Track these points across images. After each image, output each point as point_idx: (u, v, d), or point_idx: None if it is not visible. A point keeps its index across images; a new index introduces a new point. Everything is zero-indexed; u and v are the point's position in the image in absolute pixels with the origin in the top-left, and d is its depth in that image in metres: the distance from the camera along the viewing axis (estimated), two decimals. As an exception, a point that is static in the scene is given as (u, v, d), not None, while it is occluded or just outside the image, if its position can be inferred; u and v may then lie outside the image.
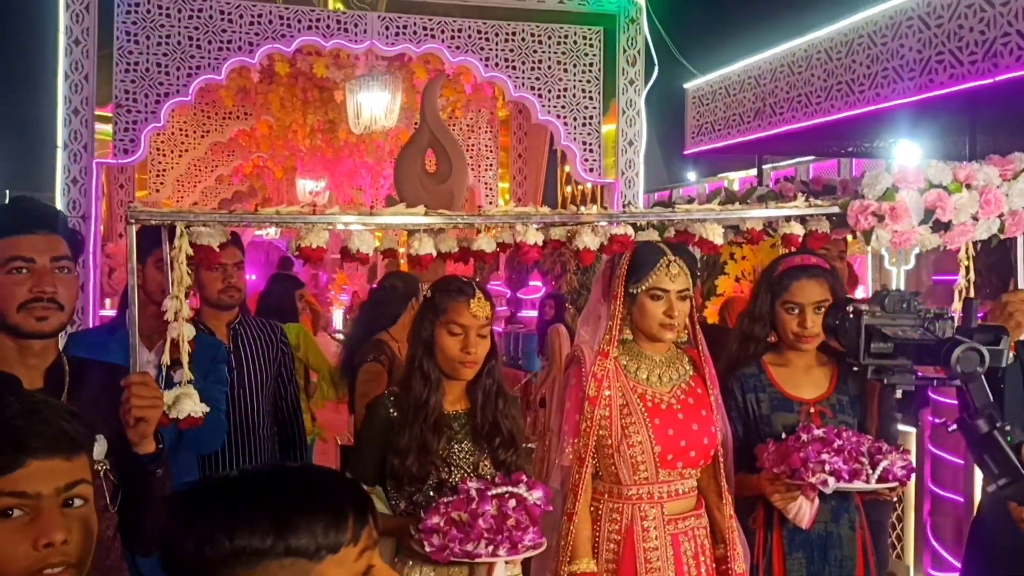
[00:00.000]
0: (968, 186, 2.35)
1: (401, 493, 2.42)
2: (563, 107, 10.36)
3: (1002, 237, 2.43)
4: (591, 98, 10.42)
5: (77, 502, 1.37)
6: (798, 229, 2.62)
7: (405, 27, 9.73)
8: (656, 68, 10.49)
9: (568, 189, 12.55)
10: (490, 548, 2.20)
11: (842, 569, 2.73)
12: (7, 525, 1.28)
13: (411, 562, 2.38)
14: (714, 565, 2.54)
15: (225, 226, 2.58)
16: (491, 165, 13.41)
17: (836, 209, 2.53)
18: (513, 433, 2.47)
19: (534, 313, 10.74)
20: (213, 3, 9.12)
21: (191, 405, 2.32)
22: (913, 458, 5.22)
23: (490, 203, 13.43)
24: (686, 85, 9.45)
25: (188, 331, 2.48)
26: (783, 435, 2.68)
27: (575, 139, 10.41)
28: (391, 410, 2.46)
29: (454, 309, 2.42)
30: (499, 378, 2.50)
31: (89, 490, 1.39)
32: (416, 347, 2.47)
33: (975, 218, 2.36)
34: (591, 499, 2.51)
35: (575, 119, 10.40)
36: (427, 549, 2.20)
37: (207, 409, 2.38)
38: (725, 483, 2.58)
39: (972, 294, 2.50)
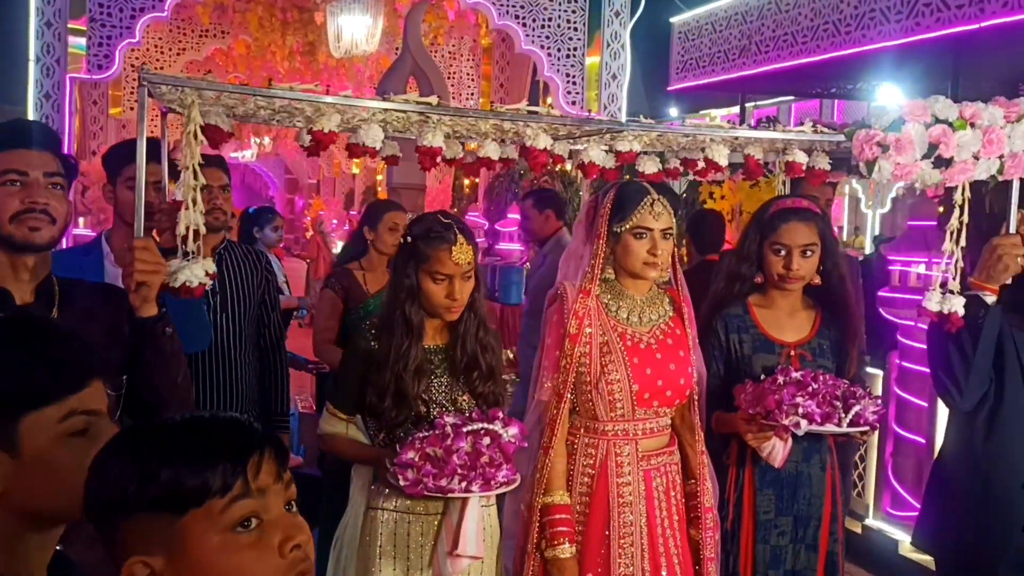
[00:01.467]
0: (972, 124, 2.36)
1: (379, 425, 2.44)
2: (547, 37, 10.21)
3: (1000, 179, 2.45)
4: (576, 29, 10.28)
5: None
6: (802, 157, 2.62)
7: (388, -52, 9.52)
8: (643, 1, 10.34)
9: (549, 121, 12.47)
10: (463, 484, 2.22)
11: (810, 507, 2.80)
12: (81, 443, 1.23)
13: (387, 491, 2.41)
14: (684, 500, 2.59)
15: (234, 109, 2.45)
16: (472, 94, 13.24)
17: (842, 137, 2.53)
18: (492, 366, 2.48)
19: (512, 245, 10.72)
20: (191, -85, 8.85)
21: (189, 273, 2.24)
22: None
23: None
24: (672, 19, 9.33)
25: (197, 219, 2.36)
26: (762, 376, 2.72)
27: (558, 71, 10.29)
28: (372, 342, 2.46)
29: (436, 258, 2.40)
30: (480, 312, 2.50)
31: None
32: (399, 292, 2.45)
33: (976, 157, 2.37)
34: (567, 434, 2.54)
35: (559, 50, 10.26)
36: (401, 483, 2.23)
37: (207, 282, 2.29)
38: (698, 421, 2.62)
39: (964, 238, 2.52)
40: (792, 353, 2.78)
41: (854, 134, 2.33)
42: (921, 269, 5.42)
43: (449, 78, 12.94)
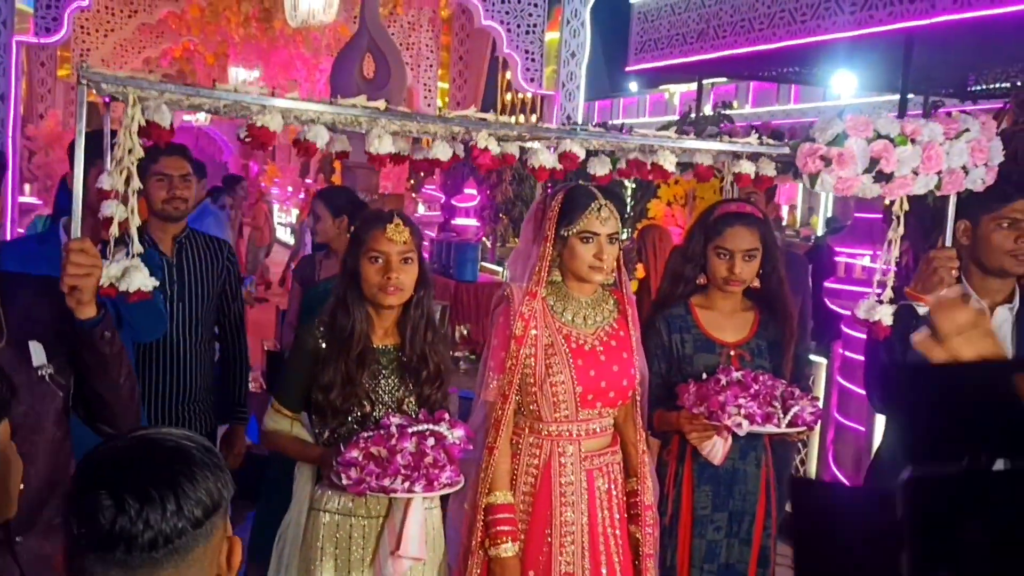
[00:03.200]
0: (913, 140, 2.41)
1: (324, 424, 2.45)
2: (507, 13, 10.15)
3: (937, 194, 2.51)
4: (536, 5, 10.22)
5: None
6: (748, 168, 2.66)
7: (347, -83, 9.36)
8: (603, -22, 10.30)
9: (508, 97, 12.40)
10: (406, 484, 2.24)
11: (745, 503, 2.87)
12: None
13: (329, 491, 2.43)
14: (625, 498, 2.65)
15: (180, 101, 2.43)
16: (431, 66, 13.13)
17: (787, 149, 2.57)
18: (440, 368, 2.50)
19: (469, 221, 10.71)
20: None
21: (141, 278, 2.23)
22: (822, 387, 5.48)
23: (428, 105, 13.19)
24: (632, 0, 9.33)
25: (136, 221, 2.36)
26: (703, 375, 2.78)
27: (518, 47, 10.24)
28: (320, 340, 2.46)
29: (372, 237, 2.42)
30: (429, 311, 2.51)
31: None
32: (342, 279, 2.47)
33: (916, 172, 2.42)
34: (512, 433, 2.57)
35: (519, 26, 10.21)
36: (344, 482, 2.24)
37: (156, 283, 2.29)
38: (641, 420, 2.67)
39: (897, 250, 2.59)
40: (732, 353, 2.84)
41: (798, 147, 2.37)
42: (866, 261, 5.54)
43: (407, 49, 12.81)
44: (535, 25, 10.26)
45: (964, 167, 2.40)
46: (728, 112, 7.92)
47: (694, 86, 13.45)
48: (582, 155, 2.45)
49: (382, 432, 2.30)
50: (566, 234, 2.53)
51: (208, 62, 14.29)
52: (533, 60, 10.33)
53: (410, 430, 2.31)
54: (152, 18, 11.75)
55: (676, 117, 13.41)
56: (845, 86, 10.10)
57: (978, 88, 9.18)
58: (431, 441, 2.31)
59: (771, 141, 2.52)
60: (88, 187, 2.72)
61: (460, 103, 13.07)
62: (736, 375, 2.71)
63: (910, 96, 7.70)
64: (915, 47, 6.52)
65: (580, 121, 10.62)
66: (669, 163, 2.47)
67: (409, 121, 2.29)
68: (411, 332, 2.48)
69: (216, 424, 3.39)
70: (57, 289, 1.91)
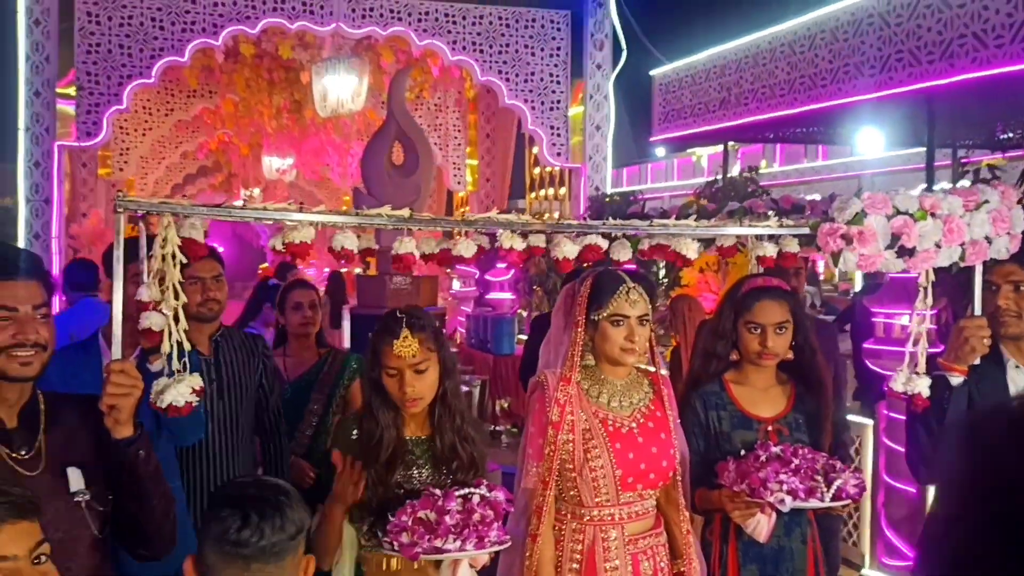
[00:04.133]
0: (933, 214, 2.44)
1: (363, 518, 2.48)
2: (531, 91, 10.40)
3: (962, 265, 2.53)
4: (559, 82, 10.47)
5: (43, 559, 1.55)
6: (771, 250, 2.71)
7: (371, 9, 9.68)
8: (624, 53, 10.54)
9: (536, 171, 12.58)
10: (458, 543, 2.27)
11: (793, 580, 2.84)
12: None
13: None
14: (673, 581, 2.64)
15: (211, 218, 2.54)
16: (459, 144, 13.40)
17: (807, 230, 2.61)
18: (473, 457, 2.53)
19: (503, 295, 10.80)
20: (176, -17, 9.01)
21: (185, 393, 2.31)
22: (869, 449, 5.42)
23: (458, 183, 13.43)
24: (652, 72, 9.51)
25: (158, 324, 2.45)
26: (742, 451, 2.78)
27: (542, 123, 10.46)
28: (352, 436, 2.51)
29: (384, 352, 2.47)
30: (454, 403, 2.54)
31: (47, 547, 1.57)
32: (367, 385, 2.53)
33: (938, 245, 2.45)
34: (554, 520, 2.59)
35: (542, 103, 10.44)
36: (396, 547, 2.27)
37: (193, 400, 2.36)
38: (683, 500, 2.67)
39: (927, 320, 2.61)
40: (769, 428, 2.84)
41: (818, 226, 2.42)
42: (904, 320, 5.50)
43: (435, 130, 13.11)
44: (558, 101, 10.49)
45: (987, 237, 2.43)
46: (755, 174, 7.98)
47: (720, 147, 13.62)
48: (605, 246, 2.51)
49: (428, 497, 2.34)
50: (596, 318, 2.58)
51: (243, 153, 14.71)
52: (559, 135, 10.54)
53: (457, 493, 2.35)
54: (188, 115, 12.16)
55: (705, 178, 13.51)
56: (871, 144, 10.16)
57: (1006, 137, 9.18)
58: (476, 499, 2.34)
59: (789, 222, 2.56)
60: (127, 295, 2.83)
61: (489, 179, 13.30)
62: (776, 450, 2.71)
63: (939, 149, 7.73)
64: (937, 104, 6.58)
65: (608, 191, 10.77)
66: (690, 250, 2.52)
67: (433, 227, 2.37)
68: (439, 426, 2.52)
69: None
70: (98, 410, 1.97)
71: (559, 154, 10.48)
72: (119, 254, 2.17)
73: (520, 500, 2.62)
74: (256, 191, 17.77)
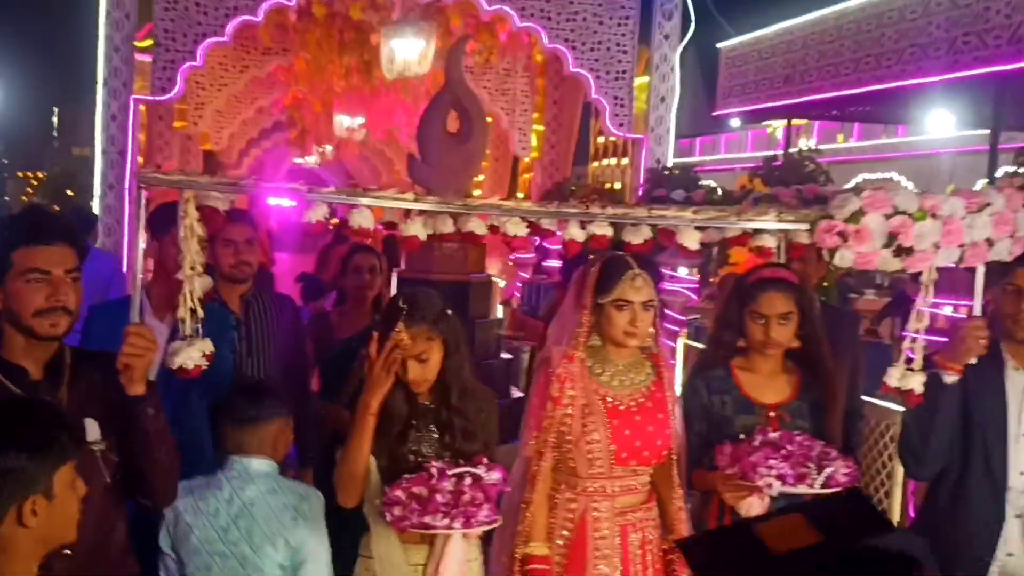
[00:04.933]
0: (933, 215, 2.46)
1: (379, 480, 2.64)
2: (596, 60, 10.34)
3: (961, 266, 2.55)
4: (625, 52, 10.39)
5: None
6: (771, 242, 2.75)
7: (442, -27, 9.75)
8: (692, 24, 10.41)
9: (600, 140, 12.56)
10: (445, 521, 2.42)
11: (786, 562, 2.92)
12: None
13: (373, 538, 2.61)
14: (660, 554, 2.75)
15: (230, 195, 2.70)
16: (526, 110, 13.41)
17: (805, 225, 2.64)
18: (473, 430, 2.63)
19: (559, 263, 10.84)
20: (252, -56, 9.20)
21: (195, 355, 2.49)
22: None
23: (523, 148, 13.48)
24: (719, 45, 9.40)
25: (202, 285, 2.63)
26: (742, 435, 2.86)
27: (607, 92, 10.41)
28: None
29: (391, 336, 2.55)
30: (455, 380, 2.62)
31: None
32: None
33: (936, 246, 2.48)
34: (549, 489, 2.71)
35: (608, 72, 10.39)
36: (388, 519, 2.43)
37: (202, 363, 2.54)
38: (678, 478, 2.77)
39: (926, 317, 2.64)
40: (772, 414, 2.91)
41: (817, 222, 2.46)
42: (948, 311, 5.45)
43: (503, 95, 13.15)
44: (624, 71, 10.41)
45: (989, 239, 2.44)
46: (815, 153, 7.88)
47: (796, 121, 13.37)
48: (609, 233, 2.59)
49: (424, 474, 2.49)
50: (603, 302, 2.68)
51: (316, 110, 14.95)
52: (622, 105, 10.47)
53: (449, 472, 2.49)
54: (262, 72, 12.41)
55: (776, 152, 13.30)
56: (941, 125, 9.91)
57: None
58: (468, 480, 2.48)
59: (789, 216, 2.59)
60: (164, 253, 3.02)
61: (554, 146, 13.30)
62: (772, 436, 2.78)
63: (1011, 132, 7.54)
64: (1005, 88, 6.42)
65: (670, 164, 10.70)
66: (692, 241, 2.58)
67: (436, 209, 2.48)
68: (441, 398, 2.63)
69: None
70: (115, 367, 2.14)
71: (622, 124, 10.44)
72: (140, 225, 2.33)
73: (518, 468, 2.75)
74: (328, 148, 18.09)
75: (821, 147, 21.19)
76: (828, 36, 7.57)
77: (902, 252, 2.42)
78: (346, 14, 10.53)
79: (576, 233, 2.57)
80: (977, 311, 2.60)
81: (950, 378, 2.59)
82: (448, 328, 2.60)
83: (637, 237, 2.77)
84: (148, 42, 9.46)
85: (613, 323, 2.66)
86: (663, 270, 8.37)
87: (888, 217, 2.39)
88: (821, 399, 2.97)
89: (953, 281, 5.63)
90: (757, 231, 2.64)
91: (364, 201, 2.49)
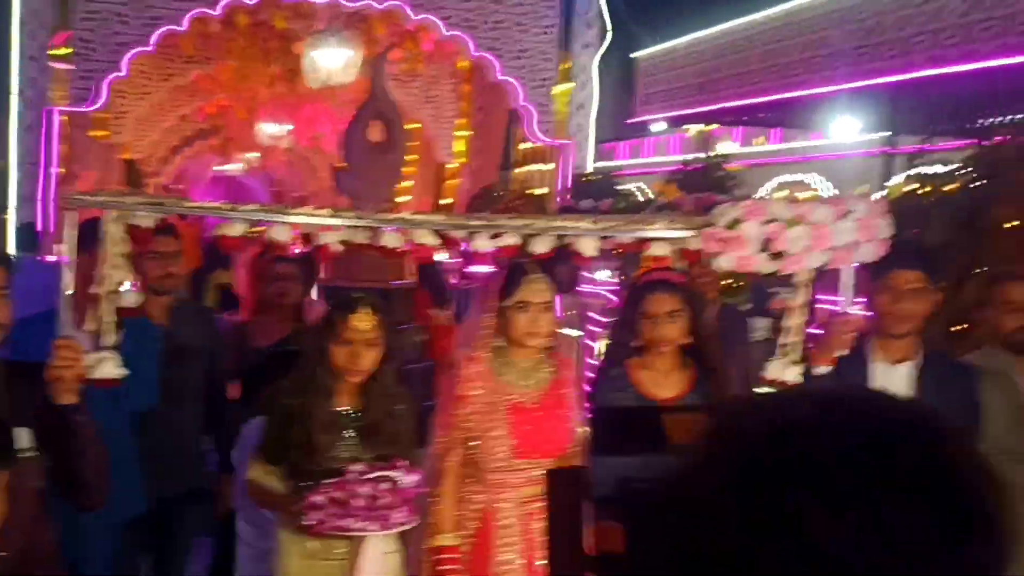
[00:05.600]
0: (804, 221, 2.68)
1: (293, 476, 2.77)
2: (522, 67, 10.58)
3: (828, 268, 2.79)
4: (549, 60, 10.65)
5: None
6: (662, 250, 2.94)
7: (365, -17, 9.84)
8: (609, 33, 10.69)
9: (524, 146, 12.76)
10: (363, 524, 2.56)
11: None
12: None
13: (296, 537, 2.74)
14: (565, 542, 2.93)
15: (157, 213, 2.82)
16: (452, 117, 13.57)
17: (692, 233, 2.84)
18: (397, 433, 2.81)
19: (485, 268, 11.01)
20: (174, -47, 9.19)
21: (109, 368, 2.60)
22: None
23: (449, 155, 13.63)
24: (634, 55, 9.69)
25: (132, 301, 2.74)
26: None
27: (532, 100, 10.65)
28: (287, 400, 2.80)
29: (341, 323, 2.75)
30: (388, 382, 2.83)
31: None
32: (311, 353, 2.80)
33: (807, 250, 2.70)
34: (457, 483, 2.88)
35: (532, 80, 10.62)
36: (307, 523, 2.57)
37: (124, 372, 2.65)
38: (579, 471, 2.95)
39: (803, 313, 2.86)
40: (666, 408, 3.12)
41: (701, 229, 2.66)
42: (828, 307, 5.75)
43: (429, 103, 13.29)
44: (547, 79, 10.66)
45: (855, 243, 2.67)
46: (725, 159, 8.19)
47: (714, 127, 13.79)
48: (512, 243, 2.76)
49: (342, 480, 2.63)
50: (505, 305, 2.85)
51: (240, 117, 14.87)
52: (546, 112, 10.72)
53: (367, 477, 2.63)
54: (185, 80, 12.33)
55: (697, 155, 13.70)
56: (846, 130, 10.36)
57: (981, 124, 9.37)
58: (385, 485, 2.63)
59: (678, 224, 2.78)
60: (93, 268, 3.10)
61: (480, 152, 13.48)
62: (668, 429, 2.99)
63: (911, 136, 7.94)
64: (901, 96, 6.79)
65: (590, 169, 10.97)
66: (589, 249, 2.76)
67: (353, 223, 2.62)
68: (371, 401, 2.80)
69: (208, 474, 3.73)
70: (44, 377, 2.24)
71: (547, 131, 10.68)
72: (70, 247, 2.43)
73: (428, 464, 2.90)
74: (253, 156, 17.97)
75: (743, 150, 21.90)
76: (737, 47, 7.90)
77: (777, 256, 2.63)
78: (270, 23, 10.56)
79: (484, 244, 2.73)
80: (847, 309, 2.83)
81: (822, 370, 2.81)
82: (388, 331, 2.77)
83: (542, 246, 2.94)
84: (64, 50, 9.37)
85: (515, 324, 2.84)
86: (584, 273, 8.63)
87: (763, 224, 2.60)
88: (714, 392, 3.18)
89: (834, 280, 5.96)
90: (651, 239, 2.82)
91: (281, 219, 2.61)
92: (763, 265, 2.65)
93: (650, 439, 1.12)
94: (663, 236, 2.72)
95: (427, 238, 2.64)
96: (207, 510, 3.70)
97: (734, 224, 2.58)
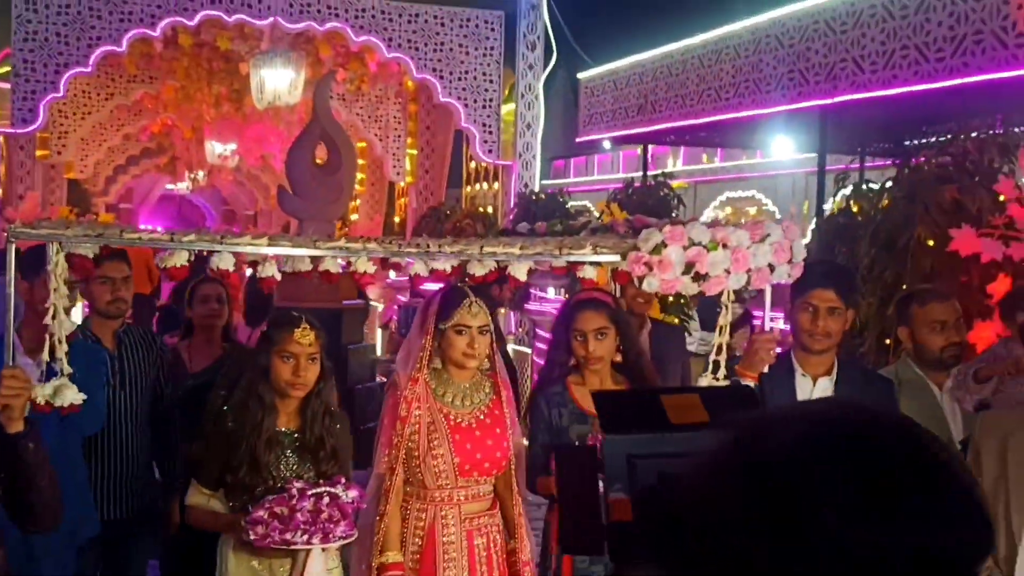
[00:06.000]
0: (724, 245, 2.84)
1: (235, 497, 2.85)
2: (464, 89, 10.74)
3: (749, 288, 2.95)
4: (492, 81, 10.82)
5: None
6: (590, 272, 3.08)
7: (308, 5, 9.94)
8: (555, 55, 10.92)
9: (472, 165, 12.93)
10: (305, 537, 2.66)
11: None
12: None
13: (239, 555, 2.82)
14: (504, 556, 3.04)
15: (97, 243, 2.90)
16: (399, 136, 13.68)
17: (618, 257, 2.98)
18: (336, 449, 2.91)
19: (435, 285, 11.11)
20: (114, -27, 9.18)
21: (71, 395, 2.68)
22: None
23: (397, 173, 13.73)
24: (579, 75, 9.90)
25: (67, 328, 2.82)
26: (576, 443, 3.18)
27: (475, 120, 10.81)
28: (230, 422, 2.87)
29: (283, 338, 2.85)
30: (328, 399, 2.93)
31: None
32: (253, 372, 2.89)
33: (728, 271, 2.86)
34: (402, 501, 2.97)
35: (475, 101, 10.79)
36: (251, 537, 2.65)
37: (84, 397, 2.73)
38: (516, 486, 3.07)
39: (727, 333, 3.02)
40: (602, 424, 3.25)
41: (628, 253, 2.81)
42: (780, 324, 5.97)
43: (376, 122, 13.39)
44: (491, 100, 10.84)
45: (771, 265, 2.84)
46: (667, 178, 8.39)
47: (663, 145, 14.03)
48: (448, 268, 2.88)
49: (284, 495, 2.71)
50: (444, 327, 2.96)
51: (186, 135, 14.82)
52: (490, 132, 10.88)
53: (309, 492, 2.72)
54: (128, 100, 12.29)
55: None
56: (781, 150, 10.68)
57: (910, 144, 9.73)
58: (327, 500, 2.72)
59: (605, 248, 2.92)
60: (34, 295, 3.16)
61: (428, 171, 13.61)
62: (600, 440, 3.11)
63: (844, 155, 8.22)
64: (829, 118, 7.05)
65: (537, 188, 11.15)
66: (520, 273, 2.89)
67: (293, 252, 2.72)
68: (311, 418, 2.90)
69: (157, 496, 3.77)
70: None
71: (491, 151, 10.84)
72: (9, 278, 2.49)
73: (373, 483, 3.00)
74: (201, 174, 17.86)
75: (689, 167, 22.32)
76: (675, 69, 8.13)
77: (699, 278, 2.79)
78: (214, 44, 10.60)
79: (421, 268, 2.85)
80: (767, 326, 3.00)
81: (747, 383, 2.97)
82: (323, 351, 2.86)
83: (481, 269, 3.07)
84: (4, 68, 9.31)
85: (453, 346, 2.95)
86: (532, 291, 8.76)
87: (686, 248, 2.75)
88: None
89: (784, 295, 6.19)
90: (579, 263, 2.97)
91: (220, 247, 2.70)
92: (687, 287, 2.81)
93: (651, 419, 1.23)
94: (589, 260, 2.86)
95: (366, 265, 2.75)
96: (157, 532, 3.74)
97: (658, 249, 2.73)
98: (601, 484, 1.19)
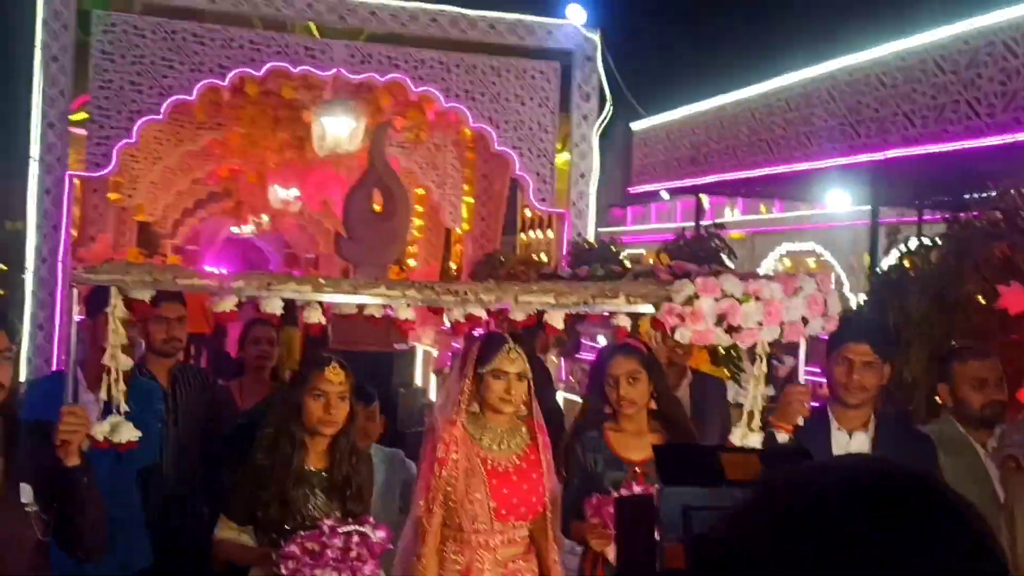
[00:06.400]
0: (757, 298, 2.89)
1: (264, 534, 2.95)
2: (520, 138, 10.91)
3: (784, 342, 2.99)
4: (546, 131, 10.98)
5: None
6: (625, 321, 3.15)
7: (370, 56, 10.24)
8: (609, 105, 11.05)
9: (528, 213, 13.09)
10: (335, 574, 2.73)
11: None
12: None
13: None
14: (538, 600, 3.08)
15: (153, 287, 3.05)
16: (456, 184, 13.91)
17: (651, 308, 3.03)
18: (361, 488, 3.01)
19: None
20: (187, 26, 9.60)
21: (128, 432, 2.83)
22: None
23: (453, 220, 13.94)
24: (632, 126, 10.01)
25: (124, 366, 2.98)
26: (610, 489, 3.22)
27: (530, 169, 10.96)
28: (261, 460, 2.99)
29: (314, 376, 2.98)
30: (354, 440, 3.04)
31: None
32: (284, 411, 3.00)
33: (760, 324, 2.90)
34: (439, 543, 3.04)
35: (530, 150, 10.95)
36: (283, 572, 2.74)
37: (140, 434, 2.87)
38: (551, 532, 3.12)
39: (763, 385, 3.05)
40: (637, 470, 3.28)
41: (661, 304, 2.87)
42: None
43: (433, 169, 13.65)
44: (546, 149, 10.99)
45: (804, 318, 2.87)
46: (719, 229, 8.39)
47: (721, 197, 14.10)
48: (483, 314, 2.96)
49: (317, 531, 2.80)
50: (482, 372, 3.05)
51: (250, 181, 15.26)
52: (545, 181, 11.02)
53: (340, 530, 2.81)
54: (196, 145, 12.73)
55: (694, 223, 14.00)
56: (839, 202, 10.63)
57: (970, 197, 9.61)
58: (356, 539, 2.81)
59: (637, 298, 2.97)
60: (97, 331, 3.33)
61: (484, 218, 13.79)
62: (637, 489, 3.15)
63: (903, 208, 8.17)
64: (879, 171, 7.04)
65: (591, 237, 11.25)
66: (557, 321, 2.97)
67: (326, 291, 2.84)
68: (339, 458, 3.00)
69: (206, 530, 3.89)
70: (50, 438, 2.44)
71: (544, 199, 10.96)
72: (72, 318, 2.65)
73: (411, 525, 3.08)
74: (264, 218, 18.34)
75: (747, 217, 22.24)
76: (727, 121, 8.20)
77: (732, 330, 2.83)
78: (279, 92, 10.96)
79: (459, 314, 2.94)
80: (801, 379, 3.02)
81: (782, 436, 2.99)
82: (351, 392, 2.98)
83: (520, 315, 3.16)
84: (81, 115, 9.74)
85: (491, 390, 3.03)
86: (584, 340, 8.80)
87: (718, 300, 2.80)
88: (682, 458, 3.36)
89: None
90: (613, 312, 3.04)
91: (265, 293, 2.83)
92: (720, 338, 2.85)
93: (709, 474, 1.30)
94: (624, 310, 2.92)
95: (406, 312, 2.85)
96: (206, 565, 3.86)
97: (691, 300, 2.79)
98: (657, 533, 1.26)
